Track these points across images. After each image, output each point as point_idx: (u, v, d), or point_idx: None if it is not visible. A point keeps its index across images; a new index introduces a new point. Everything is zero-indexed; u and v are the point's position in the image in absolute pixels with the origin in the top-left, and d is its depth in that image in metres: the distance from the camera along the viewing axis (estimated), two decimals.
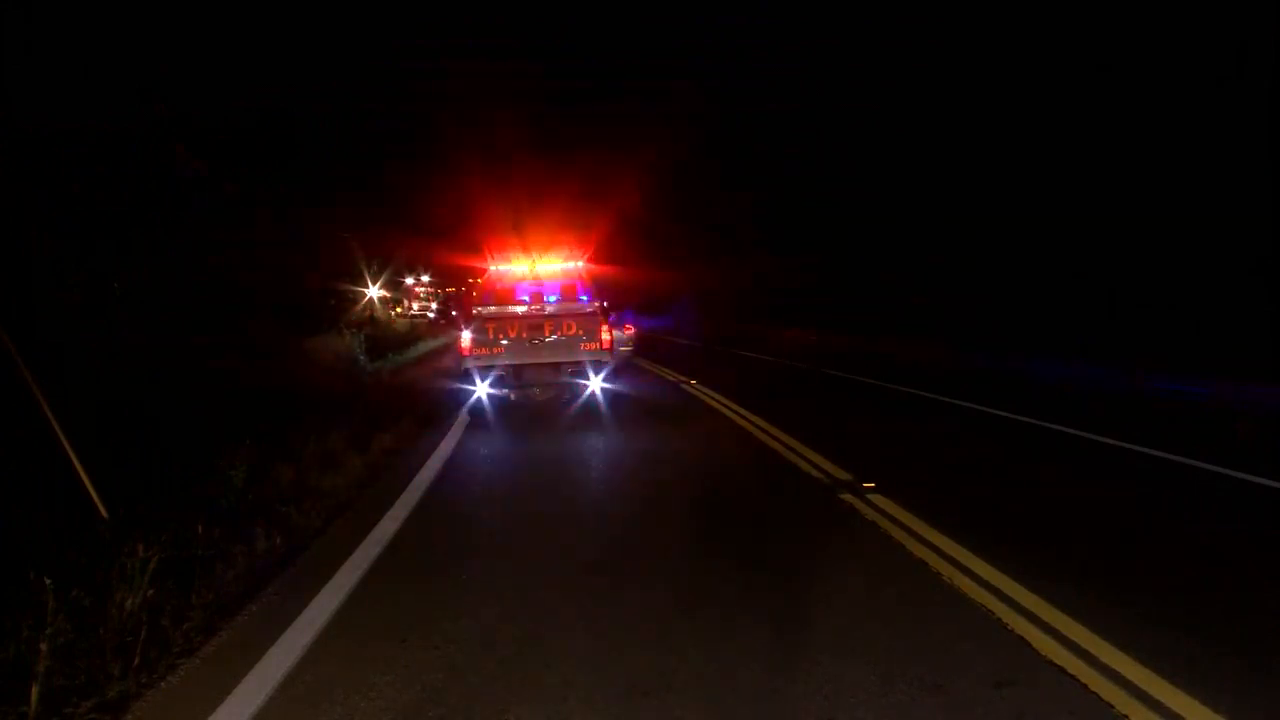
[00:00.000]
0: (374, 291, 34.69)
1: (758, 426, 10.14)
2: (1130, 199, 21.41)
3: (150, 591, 4.15)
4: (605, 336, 10.94)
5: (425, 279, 65.10)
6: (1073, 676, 3.50)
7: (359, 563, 5.23)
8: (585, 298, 12.39)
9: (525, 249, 12.00)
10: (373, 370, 16.11)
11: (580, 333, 10.88)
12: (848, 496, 6.60)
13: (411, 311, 59.03)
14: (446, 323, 37.87)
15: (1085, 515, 6.16)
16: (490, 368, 10.87)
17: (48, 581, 3.75)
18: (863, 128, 33.70)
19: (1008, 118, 26.12)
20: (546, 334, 10.86)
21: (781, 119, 39.72)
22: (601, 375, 11.09)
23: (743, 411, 11.37)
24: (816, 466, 7.75)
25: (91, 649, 3.69)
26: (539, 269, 12.55)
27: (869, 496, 6.52)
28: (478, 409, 11.41)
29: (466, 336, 10.96)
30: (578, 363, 10.92)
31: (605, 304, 12.08)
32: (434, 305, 63.29)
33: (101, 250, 10.99)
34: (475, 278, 14.09)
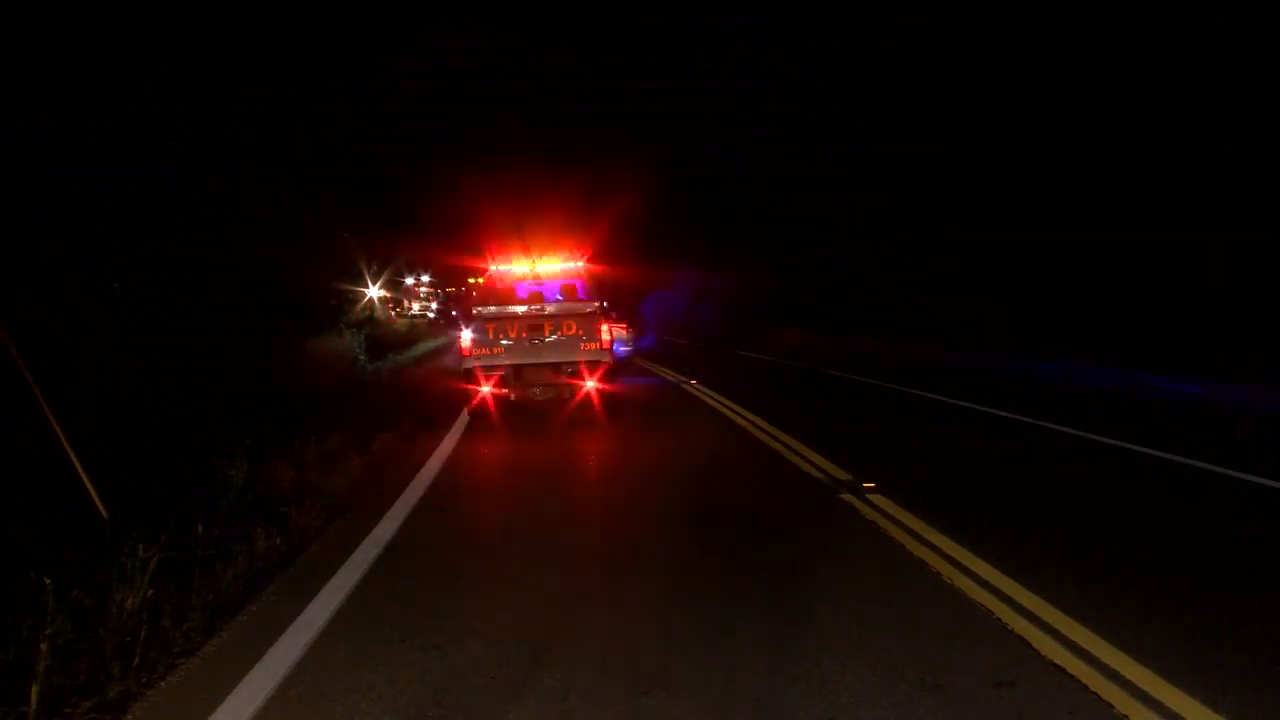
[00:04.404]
0: (374, 291, 34.71)
1: (758, 426, 10.14)
2: (1131, 199, 21.42)
3: (150, 591, 4.15)
4: (605, 336, 10.94)
5: (425, 279, 65.14)
6: (1073, 676, 3.50)
7: (359, 563, 5.23)
8: (585, 297, 12.38)
9: (525, 249, 12.00)
10: (373, 370, 16.12)
11: (580, 333, 10.88)
12: (848, 496, 6.60)
13: (411, 311, 59.05)
14: (446, 323, 37.89)
15: (1086, 515, 6.15)
16: (490, 368, 10.87)
17: (48, 581, 3.74)
18: (863, 128, 33.72)
19: (1008, 118, 26.14)
20: (546, 334, 10.86)
21: (781, 119, 39.73)
22: (601, 375, 11.09)
23: (743, 411, 11.37)
24: (816, 466, 7.75)
25: (91, 649, 3.69)
26: (539, 269, 12.54)
27: (869, 496, 6.52)
28: (478, 409, 11.40)
29: (466, 337, 10.96)
30: (577, 363, 10.92)
31: (605, 303, 12.07)
32: (434, 305, 63.31)
33: (101, 250, 11.00)
34: (475, 278, 14.08)
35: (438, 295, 65.72)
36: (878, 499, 6.42)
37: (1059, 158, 23.86)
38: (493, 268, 12.32)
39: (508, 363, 10.87)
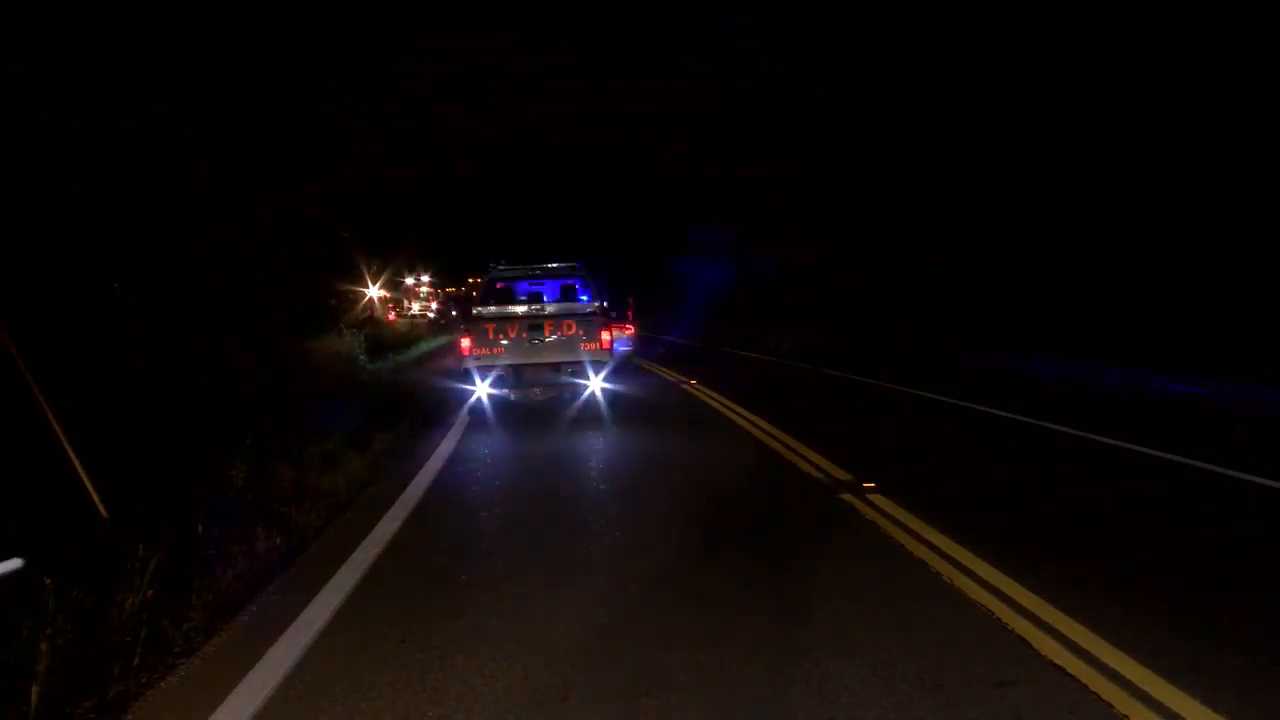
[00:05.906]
0: (374, 291, 34.73)
1: (757, 426, 10.14)
2: (1131, 199, 21.43)
3: (150, 591, 4.15)
4: (605, 336, 10.95)
5: (425, 279, 65.17)
6: (1073, 676, 3.50)
7: (359, 563, 5.23)
8: (585, 298, 12.40)
9: (524, 250, 12.01)
10: (373, 370, 16.12)
11: (580, 333, 10.88)
12: (848, 496, 6.60)
13: (411, 311, 59.03)
14: (446, 323, 37.87)
15: (1085, 515, 6.16)
16: (490, 368, 10.88)
17: (48, 581, 3.74)
18: (862, 128, 33.72)
19: (1008, 118, 26.14)
20: (546, 334, 10.87)
21: (781, 119, 39.74)
22: (601, 375, 11.09)
23: (743, 412, 11.36)
24: (817, 467, 7.75)
25: (91, 649, 3.69)
26: (539, 269, 12.55)
27: (869, 496, 6.52)
28: (478, 409, 11.41)
29: (466, 337, 10.97)
30: (577, 363, 10.93)
31: (605, 303, 12.08)
32: (434, 305, 63.28)
33: (101, 250, 10.99)
34: (475, 278, 14.08)
35: (438, 295, 65.71)
36: (878, 499, 6.42)
37: (1059, 158, 23.85)
38: (493, 268, 12.33)
39: (507, 363, 10.87)
